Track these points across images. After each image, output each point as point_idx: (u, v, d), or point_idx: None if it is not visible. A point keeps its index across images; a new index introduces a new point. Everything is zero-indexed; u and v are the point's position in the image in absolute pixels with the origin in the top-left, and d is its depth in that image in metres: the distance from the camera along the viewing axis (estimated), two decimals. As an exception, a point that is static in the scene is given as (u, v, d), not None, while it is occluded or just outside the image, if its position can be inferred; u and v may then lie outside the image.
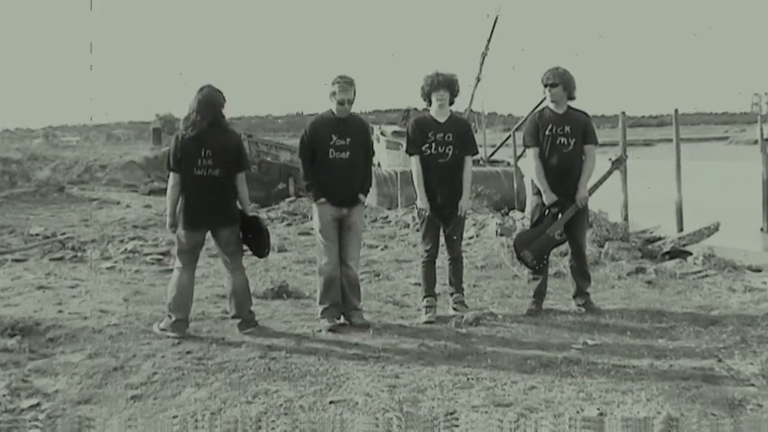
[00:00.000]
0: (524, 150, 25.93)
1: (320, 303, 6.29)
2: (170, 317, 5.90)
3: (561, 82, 6.52)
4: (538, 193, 6.63)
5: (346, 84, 6.13)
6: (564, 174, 6.52)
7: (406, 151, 6.63)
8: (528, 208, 7.29)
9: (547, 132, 6.55)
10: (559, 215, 6.52)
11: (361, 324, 6.16)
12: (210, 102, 5.85)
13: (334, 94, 6.12)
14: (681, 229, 15.01)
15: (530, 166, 6.73)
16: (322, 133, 6.17)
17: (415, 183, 6.53)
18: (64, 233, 12.13)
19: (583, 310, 6.65)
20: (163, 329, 5.91)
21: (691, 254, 9.50)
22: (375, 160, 6.93)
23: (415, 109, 32.99)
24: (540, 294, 6.72)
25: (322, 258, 6.27)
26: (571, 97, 6.62)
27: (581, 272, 6.77)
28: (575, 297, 6.79)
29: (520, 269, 8.62)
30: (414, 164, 6.52)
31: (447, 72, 6.54)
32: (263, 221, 6.37)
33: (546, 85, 6.55)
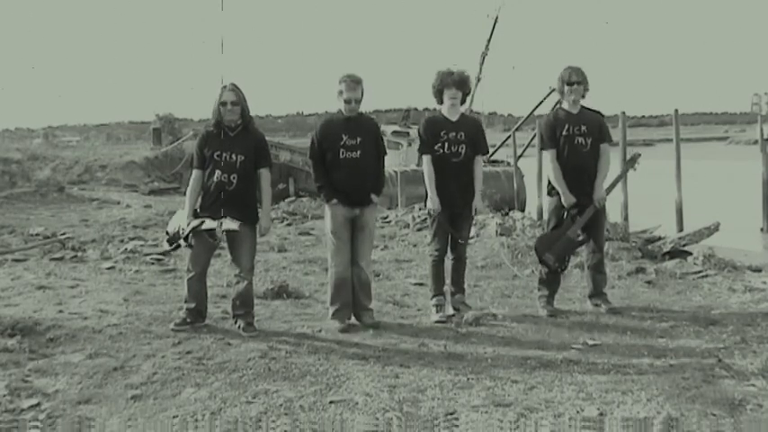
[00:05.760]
0: (523, 151, 25.97)
1: (331, 304, 6.28)
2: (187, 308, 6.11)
3: (584, 80, 6.52)
4: (556, 194, 6.58)
5: (353, 82, 6.11)
6: (581, 174, 6.49)
7: (418, 150, 6.60)
8: (545, 209, 7.25)
9: (564, 133, 6.49)
10: (578, 216, 6.51)
11: (372, 324, 6.16)
12: (232, 100, 5.90)
13: (341, 93, 6.11)
14: (681, 229, 15.03)
15: (547, 167, 6.66)
16: (332, 134, 6.15)
17: (427, 182, 6.45)
18: (64, 233, 12.12)
19: (601, 309, 6.59)
20: (178, 324, 6.05)
21: (691, 254, 9.51)
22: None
23: (415, 109, 33.13)
24: (553, 294, 6.74)
25: (333, 259, 6.26)
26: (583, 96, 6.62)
27: (599, 271, 6.76)
28: (591, 297, 6.77)
29: (520, 269, 8.63)
30: (425, 163, 6.45)
31: (459, 69, 6.50)
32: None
33: (570, 83, 6.48)
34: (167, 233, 6.23)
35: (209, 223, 5.93)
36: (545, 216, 8.27)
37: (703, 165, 31.12)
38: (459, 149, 6.41)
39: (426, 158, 6.47)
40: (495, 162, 27.83)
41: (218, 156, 5.93)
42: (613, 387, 4.58)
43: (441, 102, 6.52)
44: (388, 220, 13.92)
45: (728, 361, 5.06)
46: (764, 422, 4.03)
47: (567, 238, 6.53)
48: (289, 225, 14.00)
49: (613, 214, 13.39)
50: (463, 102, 6.58)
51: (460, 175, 6.43)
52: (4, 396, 4.51)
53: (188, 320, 6.06)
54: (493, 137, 34.40)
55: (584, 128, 6.49)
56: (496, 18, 31.26)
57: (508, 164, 26.93)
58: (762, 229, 19.17)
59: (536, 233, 10.51)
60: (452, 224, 6.50)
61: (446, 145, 6.40)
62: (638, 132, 75.83)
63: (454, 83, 6.42)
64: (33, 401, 4.47)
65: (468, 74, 6.59)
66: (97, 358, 5.31)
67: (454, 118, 6.47)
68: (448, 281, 6.68)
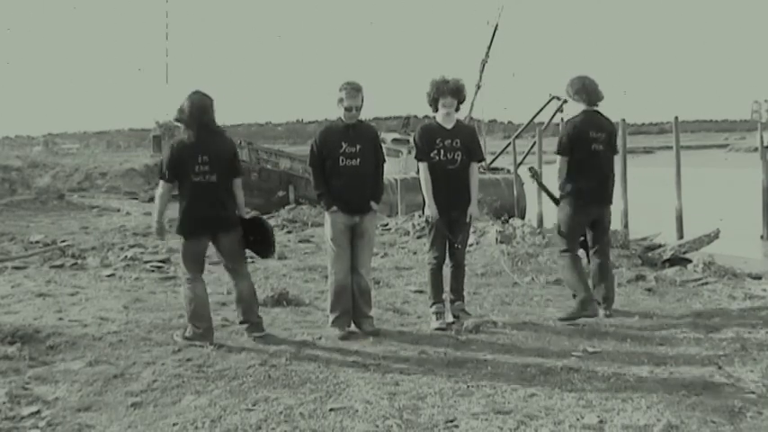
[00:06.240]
0: (523, 158, 25.95)
1: (331, 311, 6.28)
2: (196, 327, 5.86)
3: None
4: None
5: (354, 90, 6.11)
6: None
7: (415, 158, 6.62)
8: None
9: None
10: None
11: (372, 332, 6.16)
12: (202, 107, 5.87)
13: (341, 100, 6.10)
14: (681, 237, 15.05)
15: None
16: (332, 141, 6.16)
17: (424, 190, 6.47)
18: (64, 240, 12.12)
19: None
20: (188, 338, 5.85)
21: (691, 261, 9.51)
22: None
23: (415, 116, 33.19)
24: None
25: (333, 266, 6.26)
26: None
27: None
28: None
29: (520, 277, 8.62)
30: (422, 171, 6.47)
31: (453, 77, 6.50)
32: (265, 220, 6.37)
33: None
34: None
35: None
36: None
37: (703, 172, 31.16)
38: (455, 156, 6.43)
39: (423, 166, 6.48)
40: (495, 170, 27.87)
41: (194, 164, 5.94)
42: (613, 394, 4.58)
43: (436, 110, 6.54)
44: (388, 227, 13.93)
45: (728, 368, 5.06)
46: (764, 430, 4.03)
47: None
48: (289, 233, 14.00)
49: (614, 222, 13.41)
50: (458, 110, 6.60)
51: (457, 182, 6.44)
52: (4, 403, 4.52)
53: None
54: (493, 144, 34.56)
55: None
56: (496, 25, 31.38)
57: (508, 171, 26.97)
58: (762, 237, 19.20)
59: (536, 241, 10.52)
60: (450, 230, 6.51)
61: (442, 152, 6.42)
62: (638, 140, 75.93)
63: (449, 91, 6.44)
64: (33, 409, 4.48)
65: (463, 82, 6.60)
66: (97, 366, 5.32)
67: (449, 125, 6.49)
68: (447, 288, 6.68)
